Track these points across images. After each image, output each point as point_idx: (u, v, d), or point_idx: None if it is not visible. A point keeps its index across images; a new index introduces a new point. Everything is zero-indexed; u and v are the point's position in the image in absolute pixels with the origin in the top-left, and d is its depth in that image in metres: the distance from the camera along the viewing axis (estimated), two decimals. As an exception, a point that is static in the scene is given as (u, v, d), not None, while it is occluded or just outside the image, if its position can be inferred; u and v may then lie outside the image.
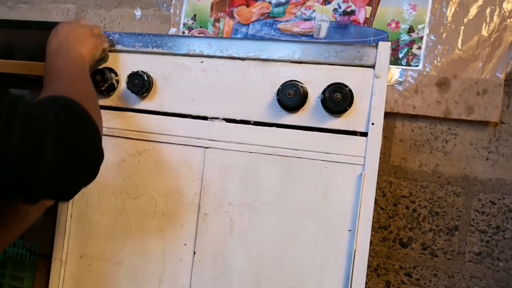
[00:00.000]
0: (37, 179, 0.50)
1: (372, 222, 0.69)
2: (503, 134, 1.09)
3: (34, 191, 0.51)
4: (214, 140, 0.76)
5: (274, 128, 0.74)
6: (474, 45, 1.09)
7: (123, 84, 0.80)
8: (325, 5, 1.20)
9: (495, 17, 1.08)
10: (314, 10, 1.20)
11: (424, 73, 1.12)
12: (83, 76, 0.70)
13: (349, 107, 0.69)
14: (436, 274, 1.11)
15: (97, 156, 0.57)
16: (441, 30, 1.11)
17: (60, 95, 0.58)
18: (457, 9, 1.11)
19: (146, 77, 0.78)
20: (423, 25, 1.12)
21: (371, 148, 0.69)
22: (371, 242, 1.11)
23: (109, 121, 0.81)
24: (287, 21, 1.23)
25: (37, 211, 0.73)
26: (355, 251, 0.68)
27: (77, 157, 0.53)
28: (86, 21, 0.82)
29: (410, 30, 1.13)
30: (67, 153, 0.52)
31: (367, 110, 0.70)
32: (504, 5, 1.08)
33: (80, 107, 0.57)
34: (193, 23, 1.31)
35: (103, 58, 0.82)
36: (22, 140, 0.48)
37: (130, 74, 0.79)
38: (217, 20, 1.29)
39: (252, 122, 0.75)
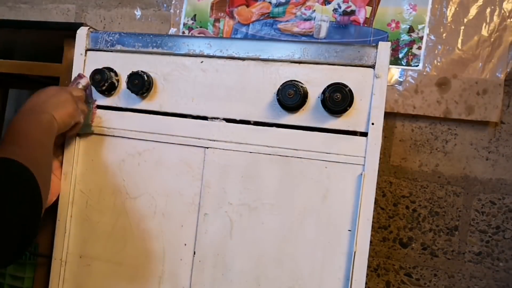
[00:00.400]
0: None
1: (372, 222, 0.69)
2: (503, 134, 1.09)
3: None
4: (214, 140, 0.76)
5: (274, 128, 0.74)
6: (474, 45, 1.09)
7: (123, 84, 0.80)
8: (325, 5, 1.20)
9: (495, 17, 1.08)
10: (314, 10, 1.20)
11: (424, 73, 1.12)
12: (45, 144, 0.67)
13: (349, 107, 0.69)
14: (436, 274, 1.11)
15: (30, 234, 0.57)
16: (441, 30, 1.11)
17: (15, 160, 0.57)
18: (457, 9, 1.11)
19: (146, 77, 0.78)
20: (423, 25, 1.12)
21: (371, 148, 0.69)
22: (371, 242, 1.12)
23: (109, 121, 0.81)
24: (287, 21, 1.23)
25: None
26: (355, 252, 0.68)
27: (9, 231, 0.53)
28: (79, 92, 0.79)
29: (410, 30, 1.13)
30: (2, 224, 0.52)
31: (367, 110, 0.70)
32: (504, 5, 1.08)
33: (31, 178, 0.57)
34: (193, 23, 1.31)
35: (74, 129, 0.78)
36: None
37: (130, 74, 0.79)
38: (217, 20, 1.29)
39: (252, 122, 0.75)
